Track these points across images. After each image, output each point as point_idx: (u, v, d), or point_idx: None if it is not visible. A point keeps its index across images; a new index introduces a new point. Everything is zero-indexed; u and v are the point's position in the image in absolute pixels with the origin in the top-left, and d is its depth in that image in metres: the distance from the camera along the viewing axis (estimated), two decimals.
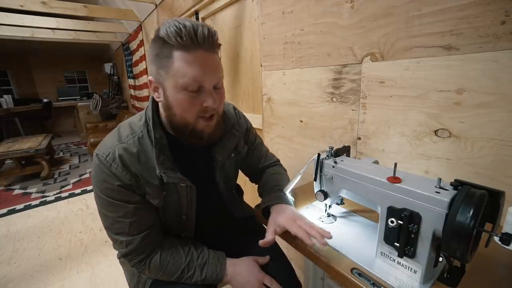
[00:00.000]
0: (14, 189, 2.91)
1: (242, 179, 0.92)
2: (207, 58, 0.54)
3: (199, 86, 0.54)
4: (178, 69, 0.52)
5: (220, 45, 0.59)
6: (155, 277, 0.65)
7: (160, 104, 0.61)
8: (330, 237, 0.54)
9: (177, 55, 0.52)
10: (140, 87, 3.59)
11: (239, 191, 0.96)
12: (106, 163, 0.56)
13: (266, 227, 0.66)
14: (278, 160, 0.91)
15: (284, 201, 0.69)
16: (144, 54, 3.23)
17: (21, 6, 2.36)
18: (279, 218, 0.62)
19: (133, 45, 3.59)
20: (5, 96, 5.05)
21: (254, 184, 0.90)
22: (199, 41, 0.51)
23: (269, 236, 0.60)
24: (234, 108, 0.81)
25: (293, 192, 0.83)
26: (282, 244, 0.78)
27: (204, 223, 0.73)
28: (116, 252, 0.66)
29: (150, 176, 0.60)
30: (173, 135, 0.64)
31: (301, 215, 0.63)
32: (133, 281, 0.70)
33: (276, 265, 0.73)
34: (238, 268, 0.66)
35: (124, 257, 0.63)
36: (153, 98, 0.62)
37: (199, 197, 0.69)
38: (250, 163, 0.85)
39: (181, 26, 0.50)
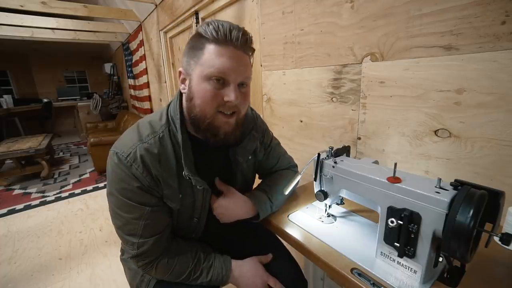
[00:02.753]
0: (14, 189, 2.91)
1: None
2: (237, 55, 0.55)
3: (224, 79, 0.55)
4: (207, 59, 0.54)
5: (253, 49, 0.60)
6: (161, 278, 0.65)
7: (184, 97, 0.62)
8: None
9: (210, 47, 0.54)
10: (140, 87, 3.59)
11: None
12: (126, 163, 0.55)
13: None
14: (295, 165, 0.89)
15: (256, 200, 0.70)
16: (144, 54, 3.22)
17: (21, 6, 2.36)
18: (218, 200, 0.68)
19: (133, 45, 3.59)
20: (5, 96, 5.04)
21: None
22: (232, 38, 0.54)
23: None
24: (251, 109, 0.80)
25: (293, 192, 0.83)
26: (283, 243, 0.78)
27: (213, 224, 0.73)
28: (117, 251, 0.66)
29: (169, 178, 0.59)
30: (192, 135, 0.64)
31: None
32: (135, 280, 0.70)
33: (281, 263, 0.74)
34: (243, 270, 0.67)
35: (133, 258, 0.62)
36: (178, 96, 0.62)
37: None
38: (264, 166, 0.83)
39: (219, 24, 0.54)
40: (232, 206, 0.69)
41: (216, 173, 0.70)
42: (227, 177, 0.73)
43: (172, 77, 2.66)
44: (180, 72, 0.61)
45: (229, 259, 0.68)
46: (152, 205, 0.59)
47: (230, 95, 0.55)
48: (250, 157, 0.75)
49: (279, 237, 0.71)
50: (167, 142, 0.59)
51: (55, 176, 3.30)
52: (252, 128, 0.74)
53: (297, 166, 0.89)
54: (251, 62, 0.62)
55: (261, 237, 0.81)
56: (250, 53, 0.60)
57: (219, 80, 0.55)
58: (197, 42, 0.56)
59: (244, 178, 0.76)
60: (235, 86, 0.56)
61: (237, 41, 0.54)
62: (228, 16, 1.61)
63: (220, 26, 0.53)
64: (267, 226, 0.73)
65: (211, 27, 0.54)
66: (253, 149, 0.75)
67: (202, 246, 0.69)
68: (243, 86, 0.59)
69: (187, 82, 0.59)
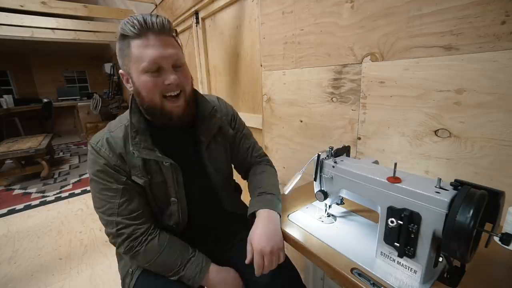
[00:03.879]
0: (14, 189, 2.91)
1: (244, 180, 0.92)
2: (159, 39, 0.59)
3: (158, 66, 0.59)
4: (137, 55, 0.59)
5: (174, 30, 0.65)
6: (146, 264, 0.66)
7: (133, 93, 0.66)
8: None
9: (134, 43, 0.59)
10: None
11: (237, 189, 0.96)
12: (96, 148, 0.64)
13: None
14: (266, 155, 0.91)
15: (269, 205, 0.68)
16: None
17: (21, 6, 2.36)
18: (254, 239, 0.61)
19: None
20: (5, 96, 5.04)
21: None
22: (148, 25, 0.58)
23: (248, 257, 0.61)
24: (218, 98, 0.85)
25: (292, 192, 0.83)
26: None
27: (196, 212, 0.75)
28: (116, 251, 0.67)
29: (133, 157, 0.65)
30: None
31: (275, 239, 0.61)
32: (123, 274, 0.73)
33: (279, 271, 0.68)
34: (221, 275, 0.69)
35: (114, 240, 0.65)
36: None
37: (187, 178, 0.71)
38: (238, 155, 0.85)
39: (133, 19, 0.58)
40: (267, 228, 0.63)
41: (184, 153, 0.74)
42: (196, 157, 0.75)
43: None
44: (122, 74, 0.65)
45: (210, 261, 0.69)
46: (122, 183, 0.64)
47: (168, 78, 0.60)
48: (218, 139, 0.78)
49: None
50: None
51: (55, 176, 3.30)
52: (213, 109, 0.76)
53: (267, 156, 0.91)
54: (179, 42, 0.66)
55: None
56: (173, 34, 0.64)
57: (155, 70, 0.59)
58: (123, 42, 0.60)
59: (214, 160, 0.77)
60: (170, 70, 0.61)
61: (154, 26, 0.58)
62: (228, 16, 1.62)
63: (135, 20, 0.57)
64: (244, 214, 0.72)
65: (128, 25, 0.58)
66: (217, 128, 0.76)
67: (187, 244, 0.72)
68: (178, 67, 0.63)
69: (130, 80, 0.64)
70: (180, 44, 0.67)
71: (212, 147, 0.77)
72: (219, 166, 0.80)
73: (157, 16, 0.59)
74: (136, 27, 0.57)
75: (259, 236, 0.60)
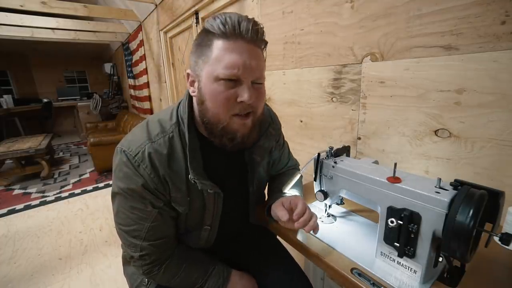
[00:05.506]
0: (14, 189, 2.91)
1: None
2: (248, 49, 0.50)
3: (236, 77, 0.50)
4: (216, 57, 0.50)
5: (266, 42, 0.56)
6: (164, 284, 0.63)
7: (194, 100, 0.58)
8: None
9: (218, 43, 0.50)
10: (140, 87, 3.59)
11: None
12: (134, 163, 0.53)
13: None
14: (299, 164, 0.88)
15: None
16: (144, 54, 3.22)
17: (21, 6, 2.36)
18: (282, 199, 0.62)
19: (133, 45, 3.59)
20: (5, 96, 5.04)
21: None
22: (241, 31, 0.49)
23: (283, 216, 0.57)
24: (265, 105, 0.74)
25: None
26: (284, 246, 0.78)
27: (223, 232, 0.70)
28: (117, 251, 0.66)
29: (178, 180, 0.56)
30: (204, 137, 0.60)
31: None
32: (134, 282, 0.69)
33: (290, 279, 0.69)
34: (242, 283, 0.67)
35: (135, 262, 0.59)
36: (187, 95, 0.59)
37: (226, 203, 0.65)
38: (278, 165, 0.81)
39: (226, 16, 0.49)
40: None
41: (230, 175, 0.67)
42: (242, 179, 0.69)
43: (172, 77, 2.66)
44: (188, 74, 0.57)
45: (231, 270, 0.67)
46: (159, 207, 0.57)
47: (243, 95, 0.50)
48: (266, 157, 0.72)
49: (287, 249, 0.71)
50: (176, 143, 0.56)
51: (55, 176, 3.30)
52: (269, 125, 0.70)
53: (299, 164, 0.90)
54: (264, 56, 0.57)
55: (271, 250, 0.77)
56: (263, 46, 0.56)
57: (231, 80, 0.50)
58: (204, 38, 0.52)
59: (260, 179, 0.72)
60: (248, 85, 0.51)
61: (248, 33, 0.49)
62: None
63: (228, 19, 0.49)
64: (267, 227, 0.72)
65: (218, 20, 0.49)
66: (270, 148, 0.71)
67: (208, 255, 0.68)
68: (257, 84, 0.54)
69: (196, 84, 0.55)
70: (265, 59, 0.58)
71: (261, 166, 0.71)
72: (261, 184, 0.75)
73: (254, 21, 0.51)
74: (227, 26, 0.48)
75: (288, 197, 0.62)
